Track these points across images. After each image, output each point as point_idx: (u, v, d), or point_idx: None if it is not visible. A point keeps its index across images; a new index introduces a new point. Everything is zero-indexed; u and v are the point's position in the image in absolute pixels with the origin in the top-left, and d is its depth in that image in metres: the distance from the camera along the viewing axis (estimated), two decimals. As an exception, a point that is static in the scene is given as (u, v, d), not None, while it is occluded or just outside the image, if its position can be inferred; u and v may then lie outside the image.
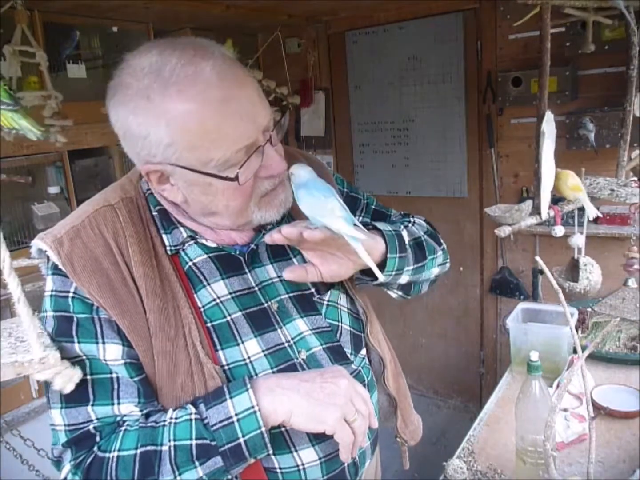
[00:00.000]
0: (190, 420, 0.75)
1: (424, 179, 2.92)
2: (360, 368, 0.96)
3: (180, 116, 0.73)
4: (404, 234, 0.94)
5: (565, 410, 1.28)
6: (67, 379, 0.72)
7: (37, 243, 0.81)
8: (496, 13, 2.46)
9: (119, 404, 0.77)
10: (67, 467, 0.77)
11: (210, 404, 0.75)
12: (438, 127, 2.80)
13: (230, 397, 0.75)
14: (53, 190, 2.15)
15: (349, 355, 0.94)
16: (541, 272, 2.53)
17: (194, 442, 0.74)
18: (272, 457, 0.84)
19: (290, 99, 2.94)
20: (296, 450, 0.86)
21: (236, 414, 0.74)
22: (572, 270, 1.37)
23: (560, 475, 0.91)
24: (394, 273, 0.90)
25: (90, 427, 0.76)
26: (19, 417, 1.92)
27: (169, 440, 0.74)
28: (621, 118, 1.43)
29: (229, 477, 0.76)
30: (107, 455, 0.75)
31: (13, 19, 1.79)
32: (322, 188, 0.82)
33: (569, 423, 1.25)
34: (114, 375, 0.78)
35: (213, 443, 0.73)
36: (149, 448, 0.74)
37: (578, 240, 1.32)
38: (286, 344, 0.88)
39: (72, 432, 0.76)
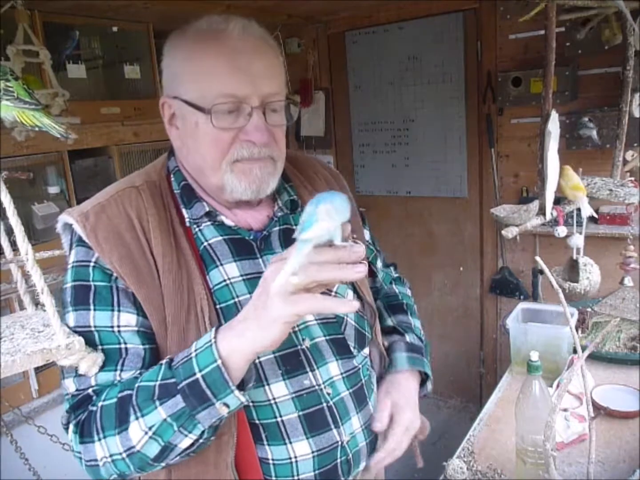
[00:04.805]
0: (161, 364, 0.77)
1: (424, 179, 2.92)
2: (360, 366, 0.97)
3: (190, 52, 0.83)
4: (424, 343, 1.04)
5: (565, 410, 1.28)
6: (91, 362, 0.75)
7: (63, 217, 0.85)
8: (496, 13, 2.46)
9: (121, 371, 0.80)
10: (70, 427, 0.81)
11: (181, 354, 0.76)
12: (438, 127, 2.80)
13: (197, 343, 0.75)
14: (53, 190, 2.15)
15: (352, 348, 0.94)
16: (541, 272, 2.53)
17: (158, 382, 0.74)
18: (267, 447, 0.86)
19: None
20: (290, 442, 0.86)
21: (195, 349, 0.74)
22: (571, 270, 1.37)
23: (560, 475, 0.91)
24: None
25: (90, 390, 0.80)
26: (19, 417, 1.92)
27: (138, 384, 0.76)
28: (617, 118, 1.43)
29: (202, 428, 0.73)
30: (95, 408, 0.78)
31: (13, 19, 1.78)
32: (339, 209, 0.67)
33: (569, 423, 1.25)
34: (122, 345, 0.80)
35: (173, 380, 0.74)
36: (125, 393, 0.77)
37: (577, 240, 1.33)
38: (290, 331, 0.88)
39: (75, 397, 0.81)
